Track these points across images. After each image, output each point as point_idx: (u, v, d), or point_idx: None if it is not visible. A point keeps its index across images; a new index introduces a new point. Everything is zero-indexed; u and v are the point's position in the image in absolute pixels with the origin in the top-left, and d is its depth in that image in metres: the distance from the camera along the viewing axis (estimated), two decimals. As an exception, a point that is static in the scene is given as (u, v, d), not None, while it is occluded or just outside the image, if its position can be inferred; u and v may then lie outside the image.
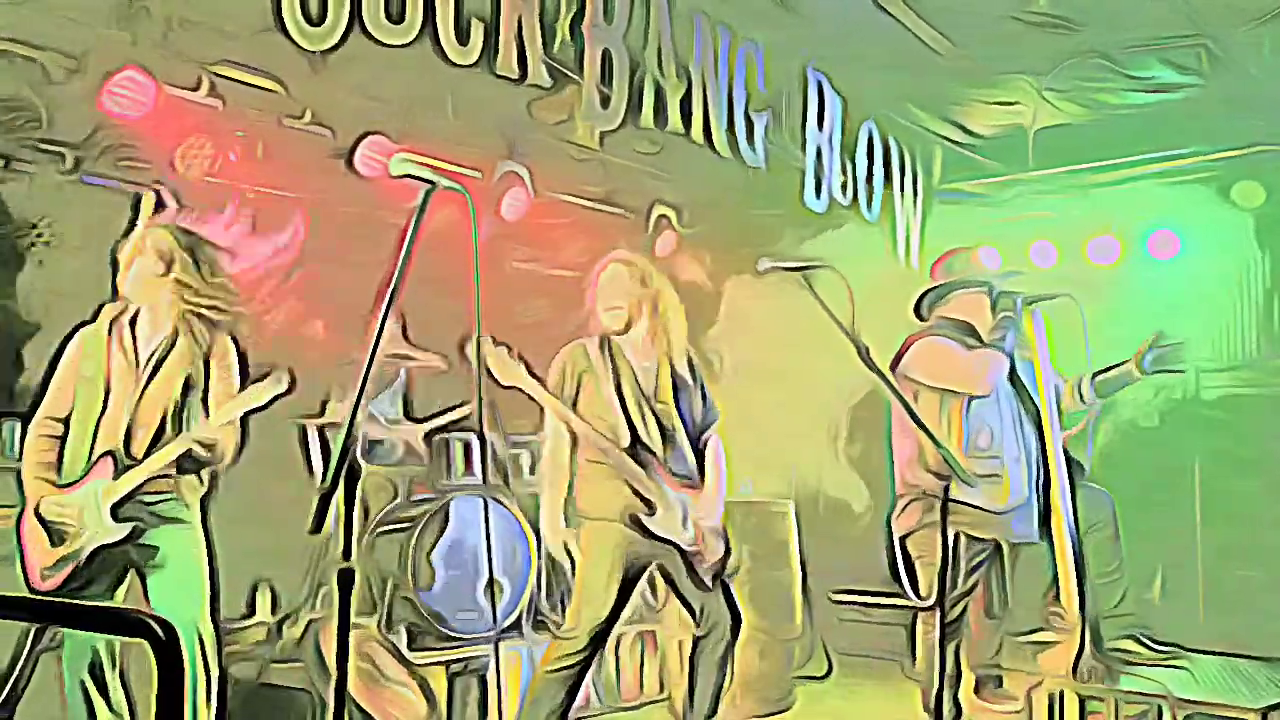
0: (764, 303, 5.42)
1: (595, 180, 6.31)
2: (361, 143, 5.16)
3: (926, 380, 4.26)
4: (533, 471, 5.52)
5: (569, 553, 3.85)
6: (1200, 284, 5.82)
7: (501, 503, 5.14)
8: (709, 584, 3.87)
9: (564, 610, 4.44)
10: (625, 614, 3.88)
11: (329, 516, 2.23)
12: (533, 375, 3.82)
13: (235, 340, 3.62)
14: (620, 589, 3.78)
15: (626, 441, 3.79)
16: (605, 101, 4.16)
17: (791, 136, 5.14)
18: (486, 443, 5.33)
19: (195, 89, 4.73)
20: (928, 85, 5.49)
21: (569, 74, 4.06)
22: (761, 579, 5.27)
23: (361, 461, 2.30)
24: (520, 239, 6.16)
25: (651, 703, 5.37)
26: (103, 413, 3.46)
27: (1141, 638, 4.73)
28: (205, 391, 3.54)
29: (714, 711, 3.92)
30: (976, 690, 4.45)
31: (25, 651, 3.46)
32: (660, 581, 4.04)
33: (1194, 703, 4.12)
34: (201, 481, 3.57)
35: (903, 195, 5.86)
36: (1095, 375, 4.60)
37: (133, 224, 3.69)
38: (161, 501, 3.48)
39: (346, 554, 2.26)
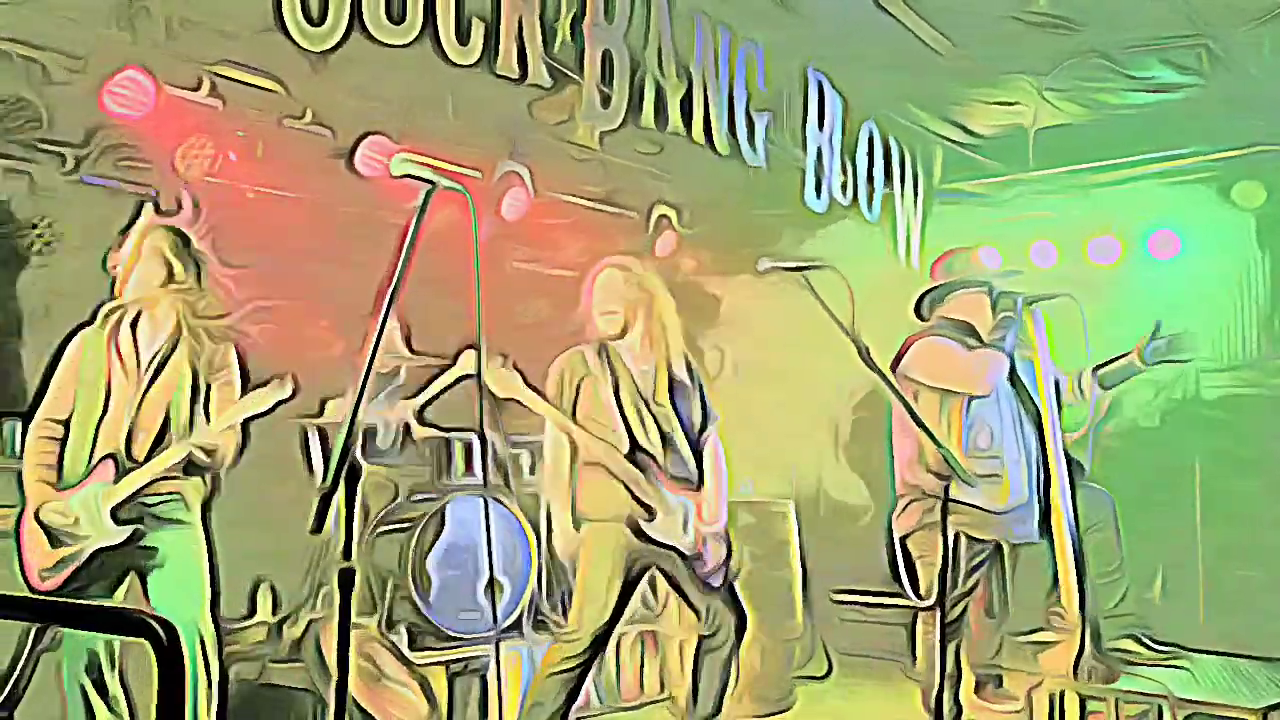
0: (764, 303, 5.44)
1: (596, 180, 6.31)
2: (362, 143, 5.16)
3: (926, 380, 4.26)
4: (533, 471, 5.52)
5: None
6: (1201, 284, 5.82)
7: (502, 503, 5.14)
8: (714, 586, 3.87)
9: (565, 611, 4.44)
10: (626, 614, 3.88)
11: (329, 516, 2.22)
12: (530, 386, 3.82)
13: (236, 344, 3.61)
14: (622, 590, 3.78)
15: (625, 447, 3.79)
16: (606, 101, 4.16)
17: (792, 136, 5.14)
18: (487, 443, 5.33)
19: (195, 89, 4.73)
20: (928, 85, 5.49)
21: (569, 74, 4.06)
22: (762, 579, 5.26)
23: (362, 461, 2.29)
24: (521, 239, 6.16)
25: (652, 703, 5.36)
26: (103, 415, 3.45)
27: (1142, 638, 4.73)
28: (206, 395, 3.54)
29: (718, 711, 3.92)
30: (977, 690, 4.45)
31: (25, 652, 3.45)
32: (661, 582, 4.04)
33: (1194, 703, 4.13)
34: (205, 483, 3.57)
35: (903, 195, 5.86)
36: (1097, 368, 4.60)
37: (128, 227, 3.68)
38: (162, 503, 3.48)
39: (347, 554, 2.26)
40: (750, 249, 4.85)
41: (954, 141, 6.28)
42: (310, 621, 4.61)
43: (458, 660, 4.70)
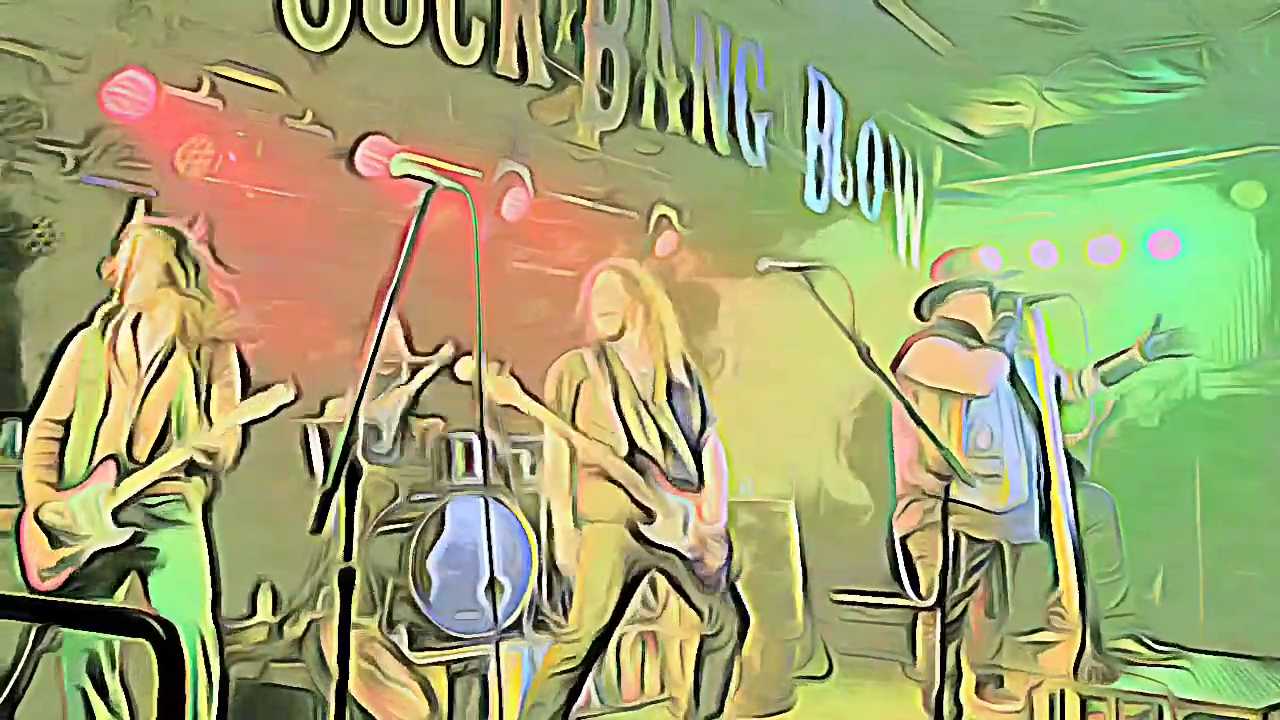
0: (764, 303, 5.43)
1: (596, 180, 6.31)
2: (362, 143, 5.16)
3: (926, 380, 4.26)
4: (533, 471, 5.52)
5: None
6: (1201, 284, 5.81)
7: (502, 503, 5.14)
8: (717, 587, 3.87)
9: (565, 611, 4.44)
10: (626, 615, 3.88)
11: (330, 516, 2.23)
12: (526, 392, 3.81)
13: (236, 345, 3.61)
14: (622, 591, 3.78)
15: (625, 450, 3.79)
16: (606, 101, 4.16)
17: (792, 136, 5.14)
18: (487, 443, 5.33)
19: (196, 89, 4.74)
20: (928, 85, 5.49)
21: (569, 74, 4.06)
22: (762, 579, 5.26)
23: (362, 461, 2.30)
24: (521, 239, 6.17)
25: (652, 703, 5.36)
26: (104, 416, 3.45)
27: (1142, 638, 4.73)
28: (208, 397, 3.54)
29: (719, 711, 3.92)
30: (977, 690, 4.45)
31: (25, 652, 3.45)
32: (661, 582, 4.03)
33: (1194, 703, 4.13)
34: (206, 483, 3.56)
35: (903, 195, 5.86)
36: (1097, 365, 4.60)
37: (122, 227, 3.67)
38: (163, 504, 3.47)
39: (347, 554, 2.26)
40: (750, 249, 4.83)
41: (954, 141, 6.28)
42: (311, 621, 4.61)
43: (458, 660, 4.69)
